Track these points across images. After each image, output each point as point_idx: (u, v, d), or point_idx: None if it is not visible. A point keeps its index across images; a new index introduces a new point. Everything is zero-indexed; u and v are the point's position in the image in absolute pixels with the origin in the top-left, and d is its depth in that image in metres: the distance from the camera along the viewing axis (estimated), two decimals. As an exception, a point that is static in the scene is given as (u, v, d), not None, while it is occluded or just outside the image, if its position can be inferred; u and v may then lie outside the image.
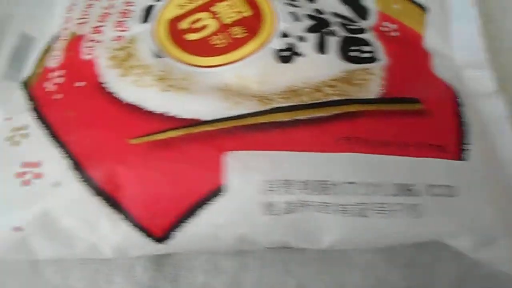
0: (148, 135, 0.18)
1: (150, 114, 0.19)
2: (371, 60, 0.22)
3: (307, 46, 0.21)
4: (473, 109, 0.21)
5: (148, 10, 0.22)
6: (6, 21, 0.26)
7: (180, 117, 0.18)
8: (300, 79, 0.20)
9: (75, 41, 0.22)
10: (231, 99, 0.19)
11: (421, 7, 0.25)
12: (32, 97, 0.21)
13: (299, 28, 0.22)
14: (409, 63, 0.23)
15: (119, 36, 0.21)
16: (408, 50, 0.24)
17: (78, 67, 0.21)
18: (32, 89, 0.21)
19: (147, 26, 0.22)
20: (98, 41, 0.21)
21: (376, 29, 0.24)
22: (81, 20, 0.23)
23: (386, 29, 0.24)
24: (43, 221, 0.18)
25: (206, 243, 0.19)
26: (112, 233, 0.18)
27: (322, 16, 0.23)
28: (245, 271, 0.22)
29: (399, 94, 0.21)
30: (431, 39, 0.24)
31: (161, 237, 0.18)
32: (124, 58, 0.20)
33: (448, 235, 0.18)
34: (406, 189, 0.17)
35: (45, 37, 0.25)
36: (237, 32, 0.21)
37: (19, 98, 0.22)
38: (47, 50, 0.23)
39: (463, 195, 0.18)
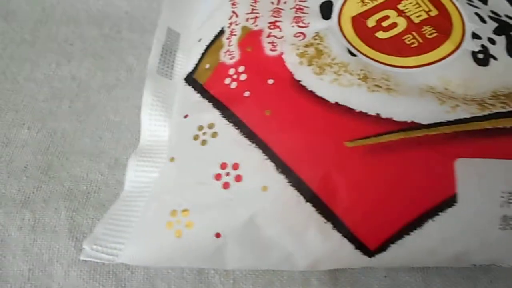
0: (364, 138, 0.17)
1: (362, 115, 0.17)
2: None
3: (499, 49, 0.20)
4: None
5: (326, 6, 0.21)
6: (155, 17, 0.25)
7: (397, 120, 0.17)
8: (503, 84, 0.19)
9: (252, 36, 0.20)
10: (446, 102, 0.18)
11: None
12: (209, 94, 0.20)
13: (487, 29, 0.21)
14: None
15: (301, 32, 0.20)
16: None
17: (263, 64, 0.19)
18: (208, 86, 0.20)
19: (330, 22, 0.20)
20: (279, 37, 0.20)
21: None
22: (251, 15, 0.21)
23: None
24: (246, 228, 0.17)
25: (418, 259, 0.17)
26: (320, 243, 0.17)
27: (501, 18, 0.22)
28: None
29: None
30: None
31: (373, 250, 0.17)
32: (315, 55, 0.19)
33: None
34: None
35: (192, 32, 0.24)
36: (429, 31, 0.20)
37: (191, 95, 0.20)
38: (214, 46, 0.21)
39: None
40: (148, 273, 0.20)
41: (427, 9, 0.21)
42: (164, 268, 0.20)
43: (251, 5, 0.22)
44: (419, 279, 0.20)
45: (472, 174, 0.16)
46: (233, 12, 0.22)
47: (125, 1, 0.32)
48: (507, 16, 0.22)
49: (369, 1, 0.21)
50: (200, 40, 0.22)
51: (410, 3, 0.21)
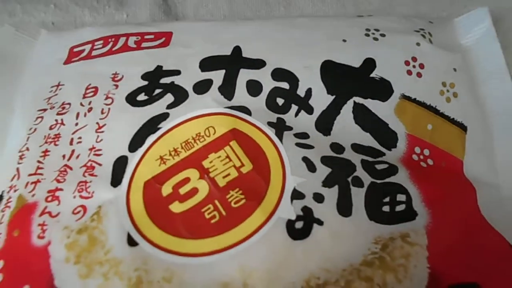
0: None
1: None
2: (409, 216, 0.17)
3: (327, 208, 0.16)
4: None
5: (120, 163, 0.17)
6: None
7: None
8: (323, 262, 0.15)
9: (24, 214, 0.17)
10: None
11: (460, 126, 0.20)
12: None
13: (315, 181, 0.17)
14: (454, 211, 0.18)
15: (82, 206, 0.16)
16: (450, 188, 0.19)
17: (25, 260, 0.15)
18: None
19: (118, 191, 0.17)
20: (54, 215, 0.16)
21: (407, 160, 0.19)
22: (33, 178, 0.17)
23: (418, 157, 0.19)
24: None
25: None
26: None
27: (342, 155, 0.18)
28: None
29: (453, 276, 0.16)
30: (472, 166, 0.20)
31: None
32: (86, 247, 0.15)
33: None
34: None
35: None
36: (235, 198, 0.16)
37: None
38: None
39: None
40: None
41: (238, 164, 0.17)
42: None
43: (38, 161, 0.18)
44: None
45: None
46: (17, 169, 0.18)
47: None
48: (355, 145, 0.19)
49: (170, 158, 0.17)
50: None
51: (219, 157, 0.17)
